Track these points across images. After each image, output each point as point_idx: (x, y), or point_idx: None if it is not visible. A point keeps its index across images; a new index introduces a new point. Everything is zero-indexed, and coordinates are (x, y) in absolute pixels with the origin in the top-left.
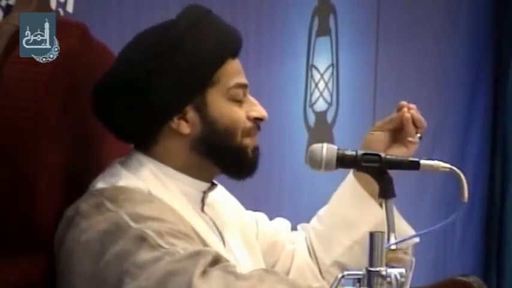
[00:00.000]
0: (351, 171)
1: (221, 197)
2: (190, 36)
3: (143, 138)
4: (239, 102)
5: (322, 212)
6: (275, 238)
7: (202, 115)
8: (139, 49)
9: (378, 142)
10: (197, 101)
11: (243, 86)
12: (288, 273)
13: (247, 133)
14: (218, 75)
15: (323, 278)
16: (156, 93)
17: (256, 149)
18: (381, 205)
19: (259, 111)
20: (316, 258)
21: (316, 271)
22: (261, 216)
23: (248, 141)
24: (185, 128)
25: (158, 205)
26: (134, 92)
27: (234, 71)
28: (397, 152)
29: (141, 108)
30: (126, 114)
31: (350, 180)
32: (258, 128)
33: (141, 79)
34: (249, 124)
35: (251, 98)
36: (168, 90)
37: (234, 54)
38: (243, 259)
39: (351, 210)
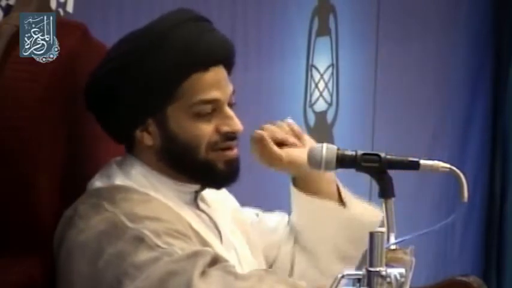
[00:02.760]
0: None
1: (219, 193)
2: (154, 49)
3: (124, 142)
4: (207, 117)
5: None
6: (270, 239)
7: (162, 129)
8: (112, 56)
9: None
10: (158, 115)
11: (212, 102)
12: (290, 274)
13: (213, 147)
14: (181, 91)
15: (326, 277)
16: (117, 105)
17: (230, 161)
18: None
19: (231, 125)
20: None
21: (320, 275)
22: (257, 217)
23: (216, 155)
24: (148, 140)
25: (155, 204)
26: (102, 101)
27: (202, 87)
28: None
29: (110, 116)
30: (103, 117)
31: (295, 194)
32: (232, 139)
33: (107, 88)
34: (215, 138)
35: (227, 111)
36: (127, 103)
37: (205, 67)
38: (245, 254)
39: (313, 224)
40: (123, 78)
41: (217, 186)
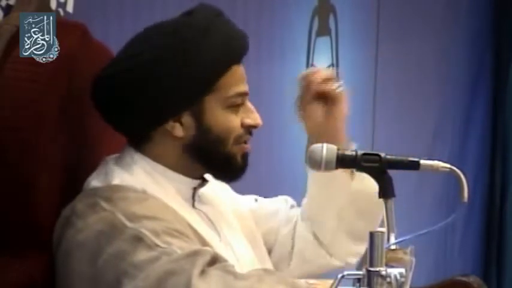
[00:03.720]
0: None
1: (216, 189)
2: (196, 43)
3: (138, 135)
4: (236, 109)
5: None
6: (270, 224)
7: (197, 121)
8: (145, 47)
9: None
10: (194, 107)
11: (243, 94)
12: (289, 257)
13: (238, 140)
14: (219, 84)
15: (330, 255)
16: (154, 96)
17: (245, 155)
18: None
19: (254, 119)
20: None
21: (322, 251)
22: (256, 203)
23: (238, 148)
24: (179, 131)
25: (153, 203)
26: (134, 90)
27: (236, 79)
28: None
29: (139, 107)
30: (124, 109)
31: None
32: (250, 134)
33: (142, 79)
34: (241, 131)
35: (249, 105)
36: (166, 94)
37: (239, 60)
38: (242, 251)
39: (322, 193)
40: (162, 70)
41: (231, 179)
